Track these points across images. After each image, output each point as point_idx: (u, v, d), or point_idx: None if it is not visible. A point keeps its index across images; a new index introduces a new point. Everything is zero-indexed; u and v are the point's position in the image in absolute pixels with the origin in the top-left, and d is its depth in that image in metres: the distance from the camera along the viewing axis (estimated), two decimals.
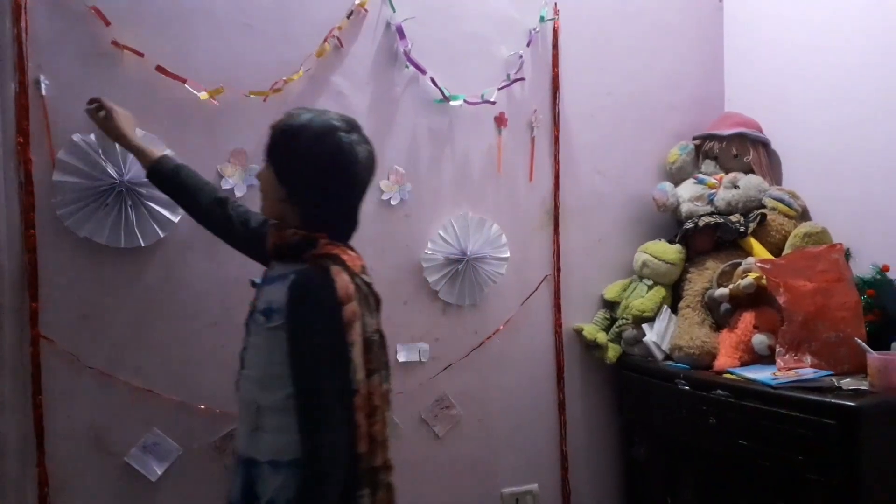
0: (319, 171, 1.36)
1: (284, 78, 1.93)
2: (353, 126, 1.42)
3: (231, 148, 1.89)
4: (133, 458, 1.80)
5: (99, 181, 1.72)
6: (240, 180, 1.90)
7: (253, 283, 1.49)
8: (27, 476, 1.70)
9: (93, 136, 1.72)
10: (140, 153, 1.64)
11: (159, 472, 1.82)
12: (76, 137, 1.71)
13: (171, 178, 1.62)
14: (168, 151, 1.74)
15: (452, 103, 2.12)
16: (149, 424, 1.82)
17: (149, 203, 1.77)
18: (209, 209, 1.62)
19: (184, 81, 1.82)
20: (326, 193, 1.38)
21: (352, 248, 1.44)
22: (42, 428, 1.70)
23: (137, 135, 1.69)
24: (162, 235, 1.80)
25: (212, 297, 1.88)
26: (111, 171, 1.72)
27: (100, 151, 1.72)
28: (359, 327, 1.32)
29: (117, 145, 1.69)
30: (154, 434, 1.82)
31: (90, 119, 1.65)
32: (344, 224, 1.45)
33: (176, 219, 1.81)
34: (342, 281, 1.31)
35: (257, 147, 1.88)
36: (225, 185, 1.88)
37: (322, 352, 1.29)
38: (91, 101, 1.64)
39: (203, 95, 1.84)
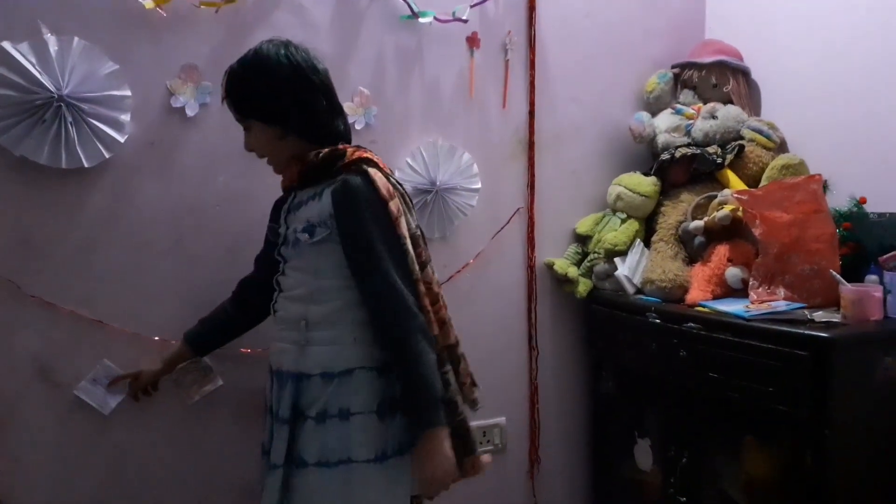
0: (294, 87, 1.42)
1: None
2: (286, 41, 1.47)
3: (181, 63, 1.75)
4: (83, 391, 1.71)
5: (34, 94, 1.56)
6: (191, 98, 1.76)
7: (273, 230, 1.58)
8: None
9: (26, 44, 1.57)
10: (179, 354, 1.70)
11: (112, 406, 1.74)
12: (6, 45, 1.55)
13: (207, 336, 1.69)
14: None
15: (421, 20, 1.98)
16: (98, 357, 1.72)
17: (91, 120, 1.63)
18: (241, 312, 1.69)
19: None
20: (312, 103, 1.43)
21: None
22: None
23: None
24: (107, 156, 1.67)
25: (163, 225, 1.77)
26: (47, 83, 1.57)
27: (34, 61, 1.57)
28: (404, 223, 1.41)
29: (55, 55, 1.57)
30: (105, 366, 1.73)
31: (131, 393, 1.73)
32: (343, 127, 1.50)
33: (122, 138, 1.68)
34: (381, 180, 1.39)
35: (209, 63, 1.77)
36: (175, 104, 1.74)
37: (380, 246, 1.36)
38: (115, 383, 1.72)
39: (148, 4, 1.68)
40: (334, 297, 1.41)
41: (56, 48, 1.59)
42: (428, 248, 1.52)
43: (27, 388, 1.67)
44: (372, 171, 1.40)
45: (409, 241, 1.40)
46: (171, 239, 1.78)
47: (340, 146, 1.44)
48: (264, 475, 1.47)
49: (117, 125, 1.67)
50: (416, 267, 1.40)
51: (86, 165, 1.64)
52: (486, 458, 1.50)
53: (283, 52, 1.42)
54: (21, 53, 1.56)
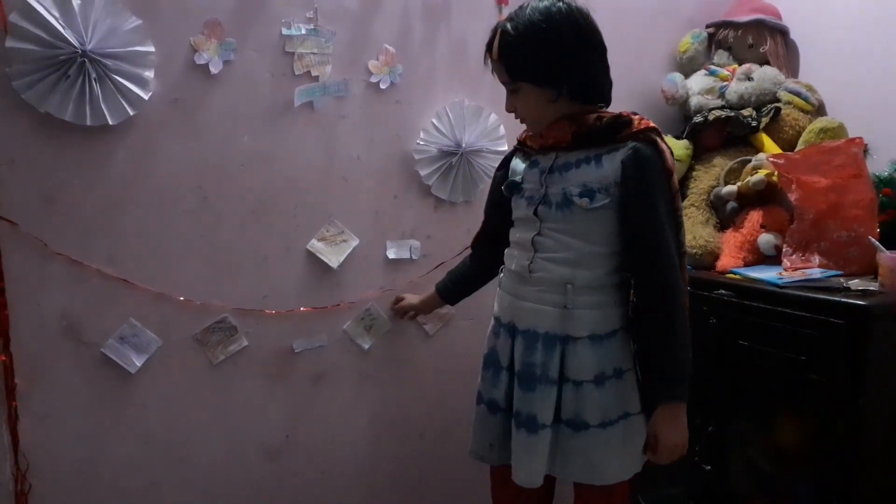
0: (574, 49, 1.38)
1: None
2: None
3: (205, 19, 1.72)
4: (110, 349, 1.72)
5: (58, 49, 1.54)
6: (215, 55, 1.72)
7: (511, 186, 1.55)
8: None
9: None
10: (432, 300, 1.92)
11: (139, 364, 1.75)
12: None
13: (452, 289, 1.87)
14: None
15: None
16: (125, 315, 1.73)
17: (115, 76, 1.60)
18: (479, 266, 1.79)
19: None
20: (589, 65, 1.41)
21: None
22: (6, 315, 1.60)
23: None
24: (131, 113, 1.65)
25: (187, 183, 1.76)
26: (71, 38, 1.54)
27: (57, 15, 1.54)
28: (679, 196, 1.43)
29: (78, 9, 1.55)
30: (131, 325, 1.73)
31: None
32: (608, 89, 1.47)
33: (146, 95, 1.66)
34: (668, 151, 1.39)
35: (233, 19, 1.74)
36: (199, 61, 1.71)
37: (665, 215, 1.37)
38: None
39: None
40: (602, 263, 1.42)
41: (79, 2, 1.56)
42: None
43: (55, 345, 1.67)
44: (660, 141, 1.39)
45: (682, 214, 1.42)
46: (196, 198, 1.76)
47: (624, 113, 1.40)
48: (501, 431, 1.52)
49: (141, 82, 1.65)
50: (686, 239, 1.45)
51: (110, 122, 1.62)
52: None
53: (560, 10, 1.36)
54: (44, 7, 1.53)
